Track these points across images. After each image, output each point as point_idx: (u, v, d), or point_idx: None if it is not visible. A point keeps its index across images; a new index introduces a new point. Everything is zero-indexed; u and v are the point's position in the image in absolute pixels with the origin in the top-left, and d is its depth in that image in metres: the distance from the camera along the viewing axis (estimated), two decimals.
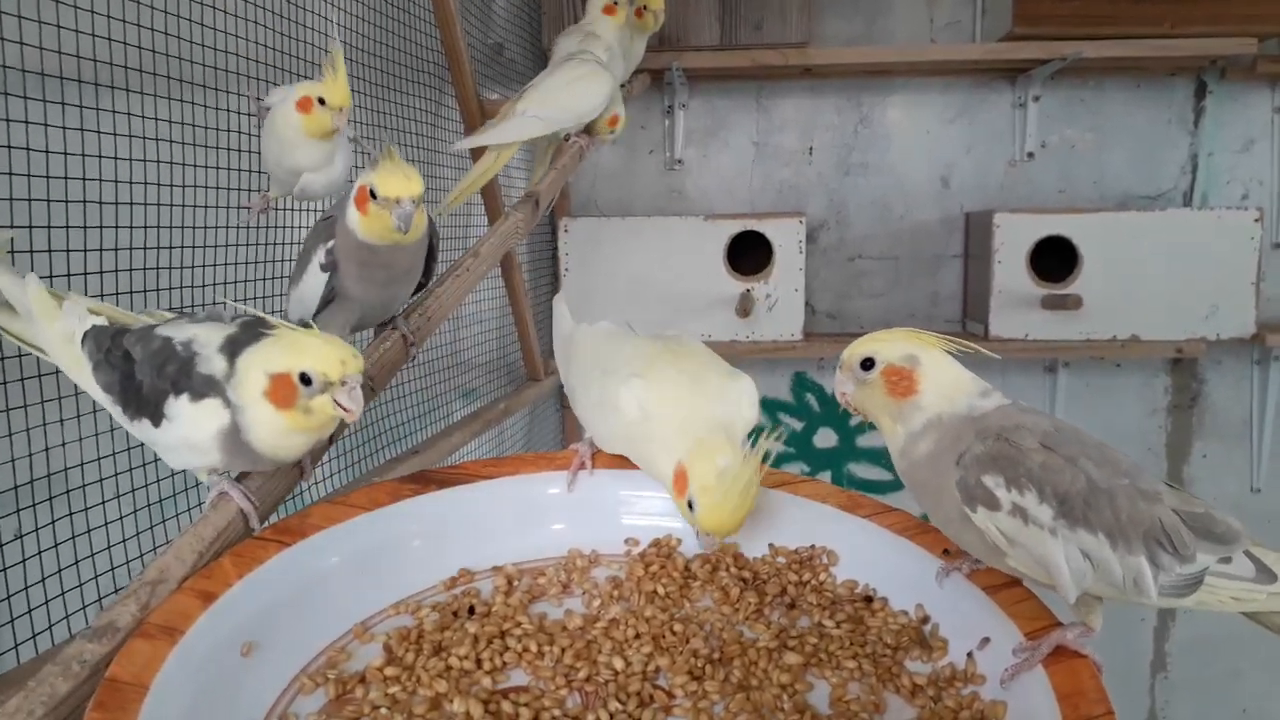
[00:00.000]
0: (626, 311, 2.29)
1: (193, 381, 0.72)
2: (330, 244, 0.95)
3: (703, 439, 0.76)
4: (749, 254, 2.31)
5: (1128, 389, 2.55)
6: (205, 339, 0.74)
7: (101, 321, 0.78)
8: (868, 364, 0.72)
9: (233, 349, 0.73)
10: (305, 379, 0.70)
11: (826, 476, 2.61)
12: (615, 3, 1.69)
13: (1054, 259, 2.25)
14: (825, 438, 2.61)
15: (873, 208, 2.56)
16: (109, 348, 0.76)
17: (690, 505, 0.75)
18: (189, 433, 0.73)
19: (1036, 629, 0.67)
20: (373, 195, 0.88)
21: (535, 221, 1.52)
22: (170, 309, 0.87)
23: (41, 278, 0.80)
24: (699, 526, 0.76)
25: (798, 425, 2.62)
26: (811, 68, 2.32)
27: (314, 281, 0.98)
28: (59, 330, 0.78)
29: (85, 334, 0.78)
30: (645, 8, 1.86)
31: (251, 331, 0.74)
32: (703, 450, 0.76)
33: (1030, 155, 2.49)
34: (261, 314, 0.77)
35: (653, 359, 0.85)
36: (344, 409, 0.71)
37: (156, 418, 0.74)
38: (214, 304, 1.05)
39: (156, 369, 0.73)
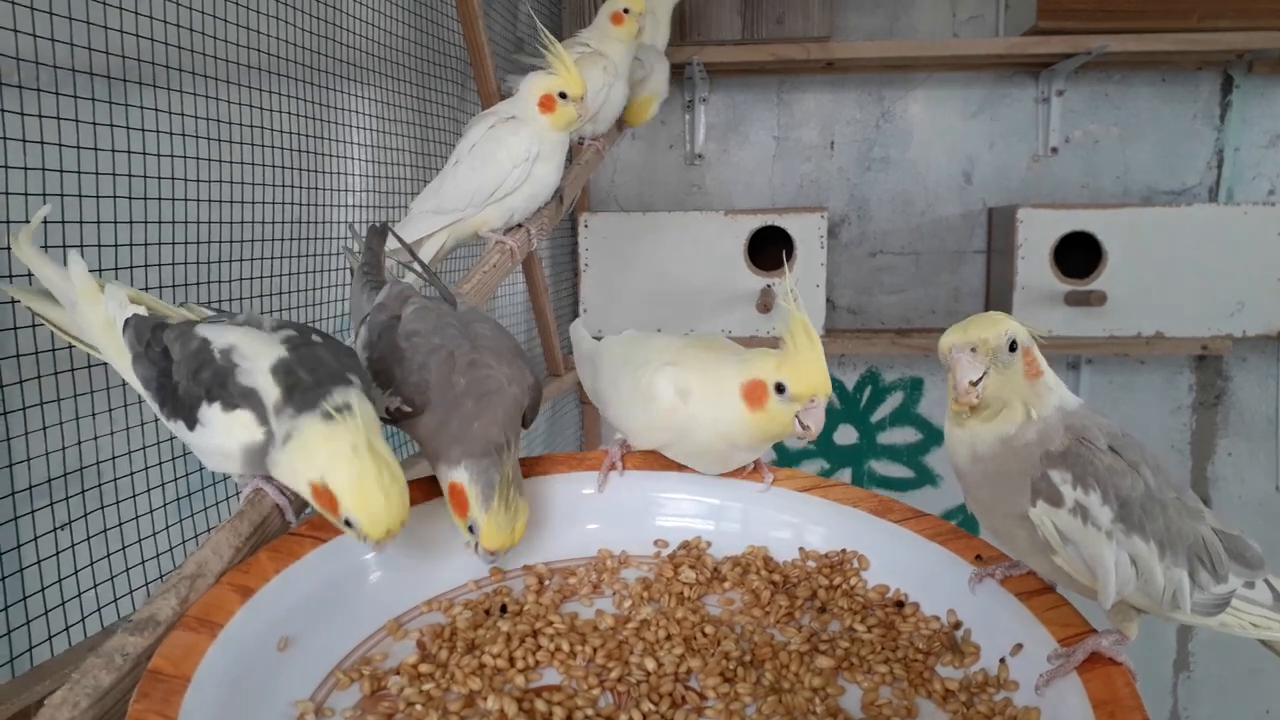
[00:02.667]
0: (646, 306, 2.30)
1: (228, 392, 0.71)
2: None
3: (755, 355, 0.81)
4: (769, 249, 2.31)
5: (1152, 386, 2.53)
6: (248, 350, 0.73)
7: (141, 311, 0.78)
8: (1013, 346, 0.68)
9: (289, 383, 0.71)
10: (349, 523, 0.70)
11: (847, 473, 2.61)
12: (625, 11, 1.63)
13: (1078, 255, 2.23)
14: (845, 434, 2.61)
15: (894, 203, 2.55)
16: (149, 341, 0.76)
17: (779, 389, 0.77)
18: (221, 441, 0.73)
19: (1070, 635, 0.67)
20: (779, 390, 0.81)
21: (559, 219, 1.52)
22: (209, 305, 0.87)
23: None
24: (802, 395, 0.77)
25: None
26: (833, 62, 2.31)
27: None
28: (101, 315, 0.78)
29: (126, 322, 0.77)
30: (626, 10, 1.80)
31: (304, 373, 0.71)
32: (760, 354, 0.80)
33: (1054, 150, 2.47)
34: (303, 329, 0.77)
35: (683, 349, 0.87)
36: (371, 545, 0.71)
37: (191, 421, 0.74)
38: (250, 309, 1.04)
39: (192, 372, 0.73)
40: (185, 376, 0.73)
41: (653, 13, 1.85)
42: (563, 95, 1.25)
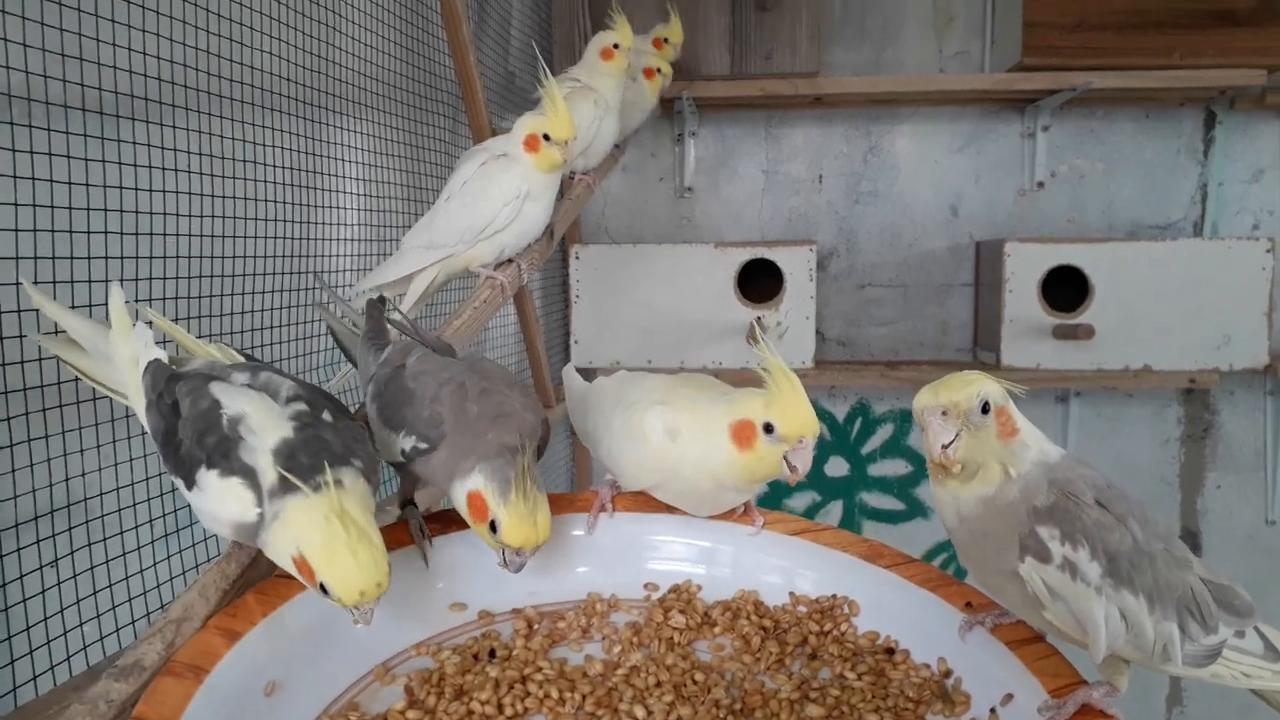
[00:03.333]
0: (636, 337, 2.31)
1: (230, 463, 0.70)
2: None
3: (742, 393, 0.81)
4: (759, 281, 2.32)
5: (1140, 419, 2.55)
6: (256, 424, 0.72)
7: (163, 355, 0.77)
8: (986, 407, 0.67)
9: (288, 465, 0.70)
10: (324, 589, 0.68)
11: (838, 505, 2.61)
12: (615, 46, 1.62)
13: (1065, 289, 2.25)
14: (836, 466, 2.61)
15: (882, 236, 2.57)
16: (161, 391, 0.75)
17: (767, 429, 0.77)
18: (214, 509, 0.72)
19: (1061, 686, 0.67)
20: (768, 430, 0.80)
21: (549, 253, 1.53)
22: (212, 339, 0.87)
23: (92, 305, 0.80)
24: (790, 434, 0.77)
25: None
26: (821, 97, 2.34)
27: None
28: (128, 352, 0.78)
29: (147, 366, 0.77)
30: (666, 39, 1.88)
31: (304, 456, 0.70)
32: (747, 392, 0.81)
33: (1040, 185, 2.50)
34: (317, 403, 0.76)
35: (672, 388, 0.88)
36: (360, 619, 0.69)
37: (189, 482, 0.72)
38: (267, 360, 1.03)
39: (198, 434, 0.72)
40: (190, 437, 0.72)
41: (641, 50, 1.87)
42: (547, 137, 1.25)
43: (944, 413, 0.67)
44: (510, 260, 1.36)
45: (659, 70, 1.90)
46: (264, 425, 0.72)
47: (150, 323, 0.81)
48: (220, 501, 0.71)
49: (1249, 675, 0.65)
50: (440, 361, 0.87)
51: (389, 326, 0.98)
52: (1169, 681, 2.57)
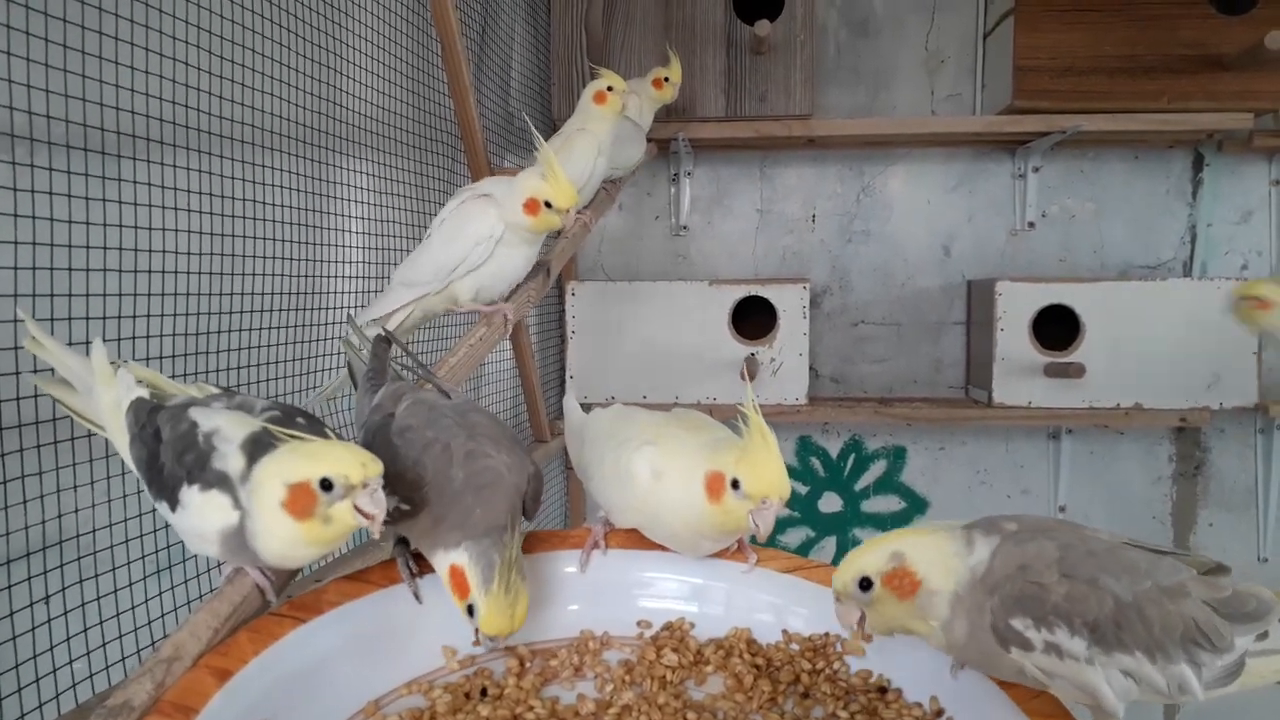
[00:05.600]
0: (632, 373, 2.32)
1: (206, 474, 0.71)
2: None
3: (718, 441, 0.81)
4: (753, 318, 2.34)
5: (1132, 457, 2.55)
6: (228, 432, 0.73)
7: (145, 393, 0.79)
8: (866, 584, 0.69)
9: (253, 451, 0.72)
10: (326, 484, 0.69)
11: (831, 541, 2.60)
12: (609, 89, 1.67)
13: (1056, 327, 2.27)
14: (830, 502, 2.61)
15: (875, 274, 2.59)
16: (144, 423, 0.76)
17: (735, 484, 0.77)
18: (197, 523, 0.73)
19: None
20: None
21: (545, 290, 1.54)
22: (211, 378, 0.88)
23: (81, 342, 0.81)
24: (755, 494, 0.77)
25: (803, 490, 2.61)
26: (815, 138, 2.37)
27: None
28: (110, 398, 0.79)
29: (129, 406, 0.78)
30: (666, 79, 1.92)
31: (271, 440, 0.72)
32: (722, 446, 0.80)
33: (1031, 225, 2.52)
34: (290, 411, 0.77)
35: (663, 426, 0.88)
36: (365, 514, 0.70)
37: (173, 503, 0.73)
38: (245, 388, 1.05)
39: (177, 455, 0.73)
40: (171, 458, 0.74)
41: (636, 93, 1.91)
42: (548, 204, 1.24)
43: (838, 599, 0.71)
44: (495, 307, 1.33)
45: (666, 79, 1.96)
46: (234, 431, 0.73)
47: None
48: (201, 515, 0.72)
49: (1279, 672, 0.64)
50: (428, 413, 0.85)
51: (390, 366, 0.98)
52: (1163, 715, 2.54)
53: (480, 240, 1.25)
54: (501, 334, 1.32)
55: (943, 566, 0.68)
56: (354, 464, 0.69)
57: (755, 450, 0.77)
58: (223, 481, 0.71)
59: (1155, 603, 0.63)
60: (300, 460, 0.70)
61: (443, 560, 0.78)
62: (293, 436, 0.72)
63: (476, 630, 0.77)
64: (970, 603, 0.67)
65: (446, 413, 0.85)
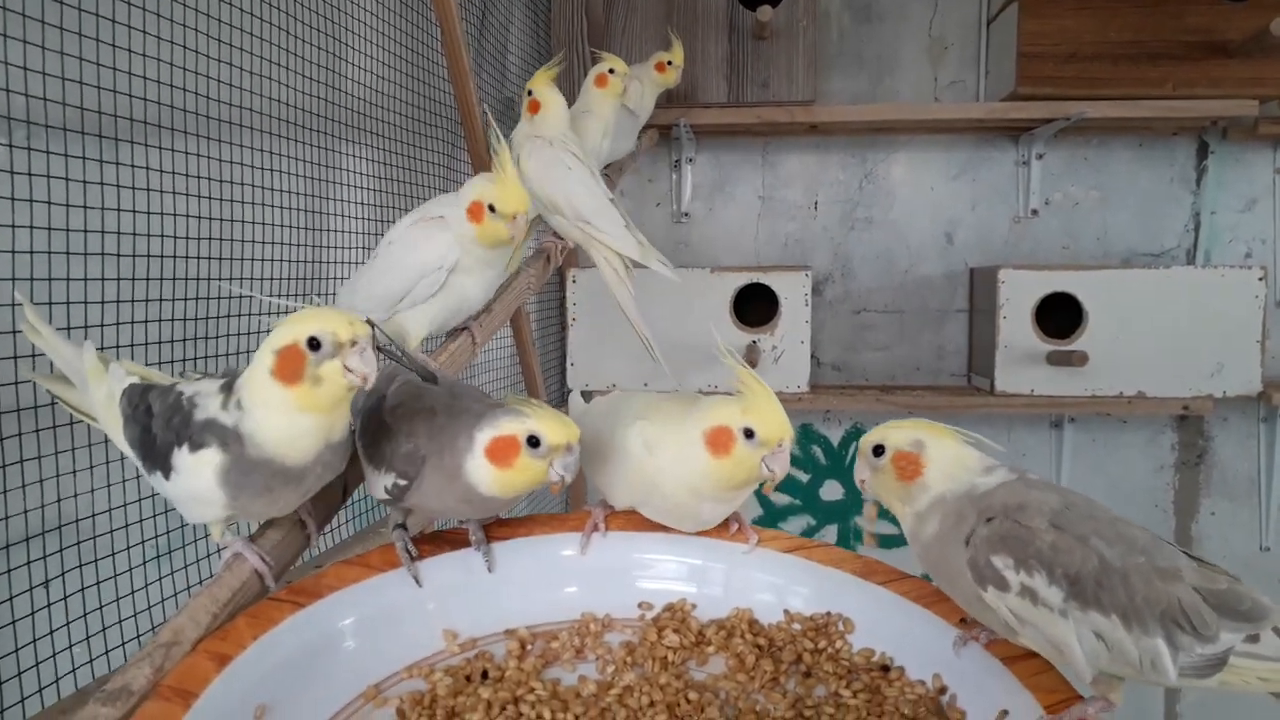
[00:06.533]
0: (632, 360, 2.31)
1: (191, 431, 0.73)
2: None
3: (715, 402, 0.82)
4: (754, 306, 2.33)
5: (1134, 445, 2.55)
6: (208, 389, 0.75)
7: (137, 380, 0.80)
8: (879, 450, 0.76)
9: (227, 382, 0.74)
10: (314, 343, 0.69)
11: (833, 529, 2.60)
12: (610, 72, 1.67)
13: (1059, 315, 2.26)
14: (832, 490, 2.61)
15: (877, 262, 2.58)
16: (137, 404, 0.77)
17: (748, 434, 0.78)
18: (191, 482, 0.73)
19: (1056, 702, 0.67)
20: (533, 444, 0.76)
21: (546, 278, 1.53)
22: (207, 363, 0.88)
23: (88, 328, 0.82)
24: (769, 440, 0.78)
25: (804, 477, 2.61)
26: (817, 125, 2.36)
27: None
28: (104, 393, 0.80)
29: (123, 392, 0.79)
30: (669, 63, 1.91)
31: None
32: (720, 401, 0.81)
33: (1034, 212, 2.51)
34: None
35: (654, 404, 0.88)
36: (353, 372, 0.69)
37: (167, 470, 0.74)
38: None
39: (166, 421, 0.74)
40: (160, 427, 0.75)
41: (639, 79, 1.90)
42: (492, 208, 1.03)
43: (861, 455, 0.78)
44: (463, 328, 1.21)
45: (669, 62, 1.95)
46: (215, 386, 0.75)
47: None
48: (195, 473, 0.73)
49: (1265, 680, 0.63)
50: (418, 391, 0.85)
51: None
52: (1164, 707, 2.55)
53: (427, 272, 1.07)
54: (470, 354, 1.22)
55: (948, 471, 0.73)
56: (341, 321, 0.69)
57: (760, 399, 0.79)
58: (208, 428, 0.72)
59: (1143, 575, 0.63)
60: (287, 326, 0.70)
61: (474, 461, 0.77)
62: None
63: (551, 468, 0.76)
64: (952, 508, 0.70)
65: (435, 389, 0.86)
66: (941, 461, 0.73)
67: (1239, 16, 2.16)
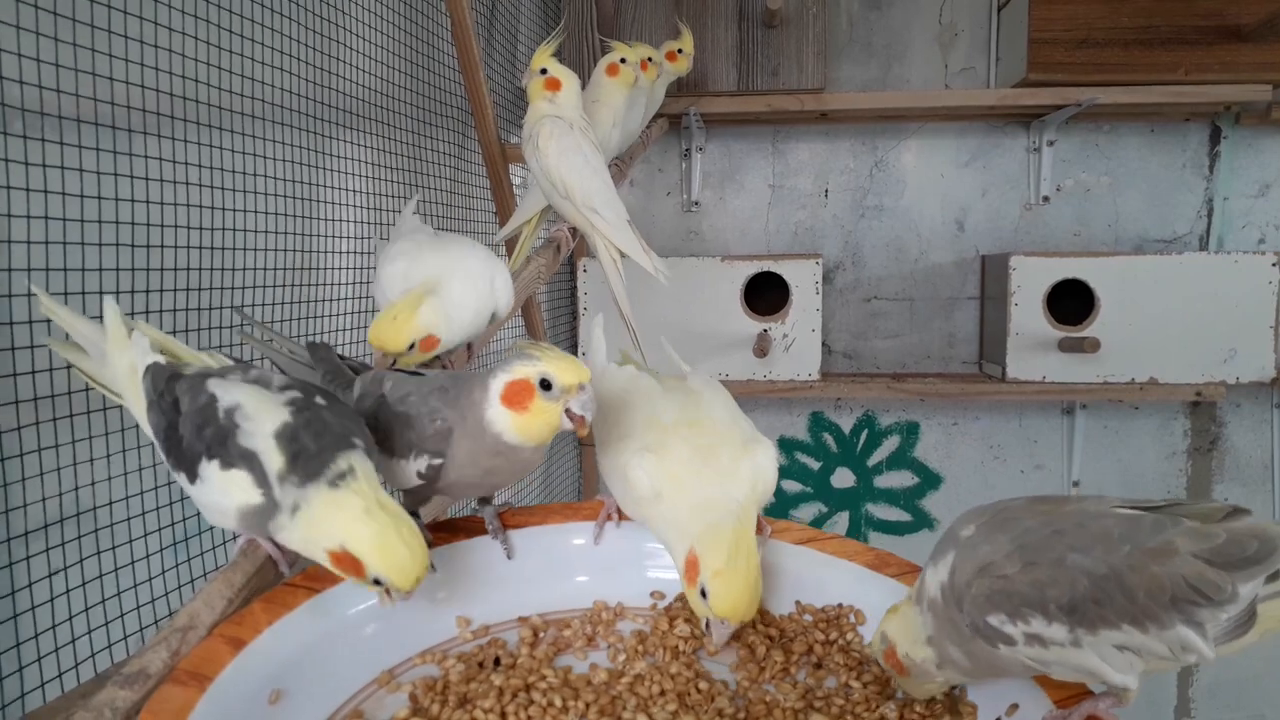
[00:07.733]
0: (643, 349, 2.30)
1: (227, 451, 0.71)
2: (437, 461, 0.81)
3: (713, 523, 0.77)
4: (765, 294, 2.33)
5: (1146, 431, 2.54)
6: (252, 411, 0.73)
7: (161, 359, 0.78)
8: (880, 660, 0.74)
9: (293, 451, 0.71)
10: (377, 581, 0.70)
11: (844, 516, 2.61)
12: (622, 61, 1.66)
13: (1071, 302, 2.25)
14: (843, 477, 2.61)
15: (888, 249, 2.57)
16: (163, 390, 0.76)
17: (703, 593, 0.75)
18: (218, 499, 0.73)
19: (1066, 696, 0.67)
20: (546, 386, 0.75)
21: (557, 267, 1.54)
22: (229, 355, 0.87)
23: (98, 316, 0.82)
24: (714, 613, 0.75)
25: (815, 465, 2.62)
26: (827, 113, 2.35)
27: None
28: (127, 361, 0.79)
29: (146, 369, 0.77)
30: (680, 51, 1.91)
31: (308, 439, 0.71)
32: (713, 536, 0.76)
33: (1045, 199, 2.50)
34: (307, 388, 0.77)
35: (666, 431, 0.84)
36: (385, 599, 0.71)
37: (192, 475, 0.73)
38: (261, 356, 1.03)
39: (197, 428, 0.73)
40: (190, 431, 0.73)
41: (657, 62, 1.90)
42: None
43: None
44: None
45: (680, 50, 1.95)
46: (260, 411, 0.73)
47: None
48: (224, 492, 0.72)
49: None
50: (415, 380, 0.85)
51: (341, 365, 0.93)
52: (1176, 692, 2.55)
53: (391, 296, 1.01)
54: (483, 341, 1.20)
55: (908, 634, 0.69)
56: (410, 579, 0.70)
57: (733, 573, 0.75)
58: (248, 460, 0.71)
59: (1136, 569, 0.59)
60: (367, 544, 0.70)
61: (495, 409, 0.76)
62: (382, 510, 0.71)
63: (566, 412, 0.76)
64: (946, 630, 0.66)
65: (432, 375, 0.85)
66: (901, 632, 0.70)
67: (1251, 1, 2.14)
